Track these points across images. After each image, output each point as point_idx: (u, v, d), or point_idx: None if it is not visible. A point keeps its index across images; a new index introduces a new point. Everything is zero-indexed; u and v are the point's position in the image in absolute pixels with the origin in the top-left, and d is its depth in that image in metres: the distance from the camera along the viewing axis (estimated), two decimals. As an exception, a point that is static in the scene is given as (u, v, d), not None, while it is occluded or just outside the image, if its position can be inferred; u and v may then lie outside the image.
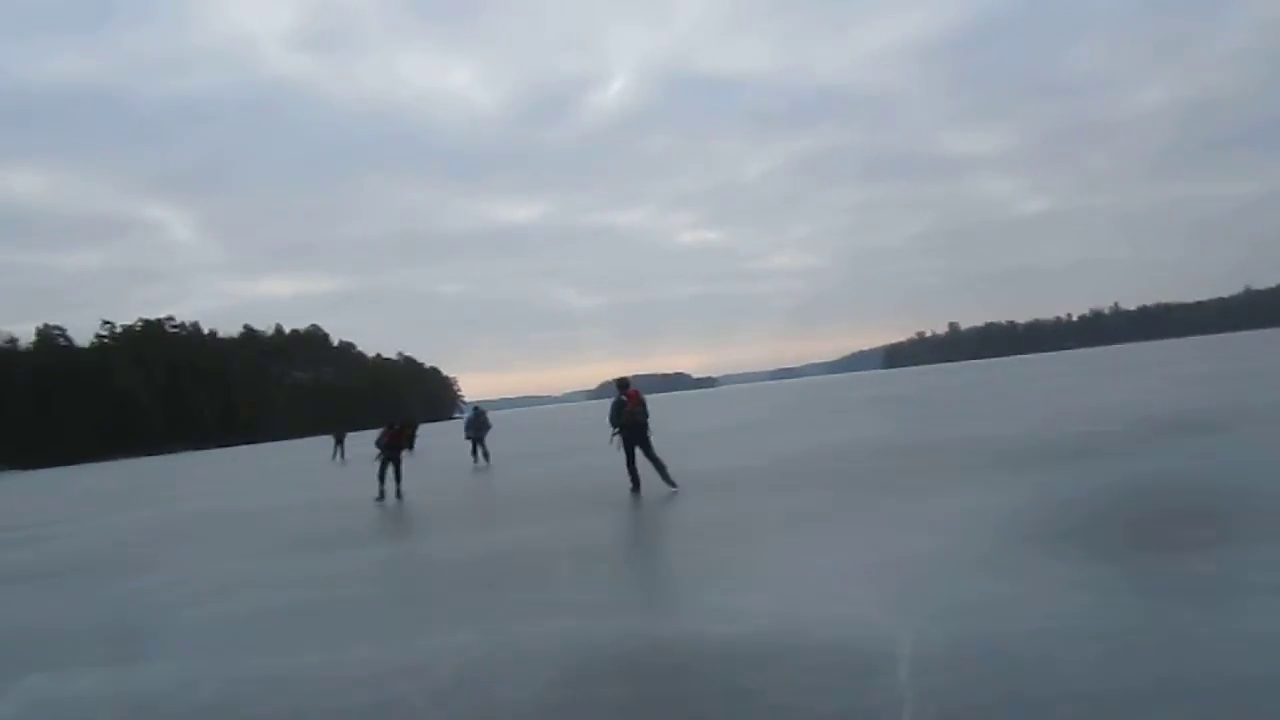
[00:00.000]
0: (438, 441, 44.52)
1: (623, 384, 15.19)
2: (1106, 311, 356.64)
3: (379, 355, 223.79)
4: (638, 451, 14.83)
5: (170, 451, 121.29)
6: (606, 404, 16.36)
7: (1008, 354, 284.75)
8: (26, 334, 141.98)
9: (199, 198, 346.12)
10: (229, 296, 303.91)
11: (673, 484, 14.40)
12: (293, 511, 19.04)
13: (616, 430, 14.89)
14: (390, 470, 18.57)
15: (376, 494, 18.26)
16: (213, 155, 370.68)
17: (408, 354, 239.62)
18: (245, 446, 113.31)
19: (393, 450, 18.78)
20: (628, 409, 14.77)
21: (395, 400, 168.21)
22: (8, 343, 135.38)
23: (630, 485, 14.70)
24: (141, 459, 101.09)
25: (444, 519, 15.48)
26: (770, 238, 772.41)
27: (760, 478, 15.83)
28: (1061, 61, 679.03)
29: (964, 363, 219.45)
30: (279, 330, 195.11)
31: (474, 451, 27.31)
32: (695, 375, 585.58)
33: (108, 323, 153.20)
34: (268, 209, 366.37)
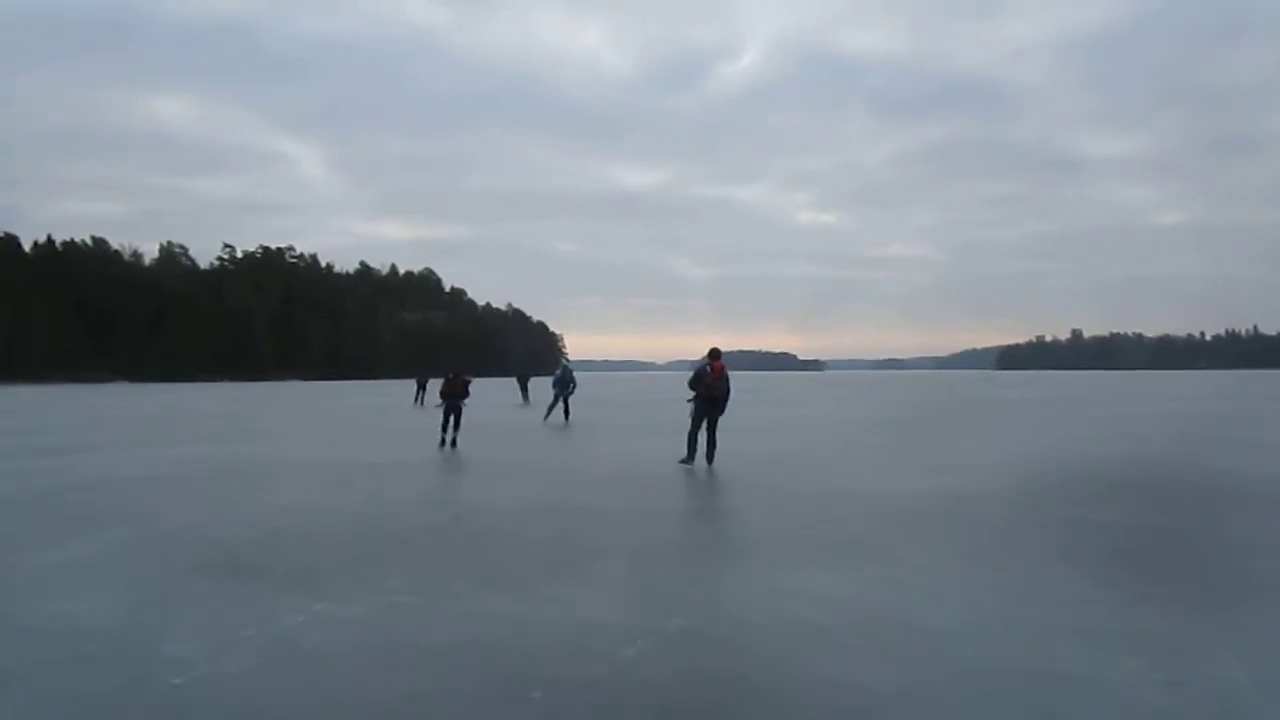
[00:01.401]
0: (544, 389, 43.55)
1: (714, 354, 14.85)
2: (1243, 334, 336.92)
3: (488, 304, 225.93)
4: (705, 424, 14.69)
5: (277, 378, 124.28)
6: None
7: (1132, 367, 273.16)
8: (153, 252, 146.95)
9: (331, 136, 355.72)
10: (350, 235, 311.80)
11: (710, 462, 14.41)
12: (317, 469, 17.46)
13: (692, 397, 14.77)
14: (452, 419, 19.06)
15: (439, 440, 18.82)
16: (347, 96, 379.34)
17: (516, 306, 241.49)
18: (347, 381, 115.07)
19: (450, 399, 19.26)
20: (707, 379, 14.58)
21: (499, 351, 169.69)
22: (132, 256, 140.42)
23: (685, 454, 14.65)
24: (246, 384, 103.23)
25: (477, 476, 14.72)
26: (888, 225, 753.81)
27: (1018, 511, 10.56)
28: (1210, 67, 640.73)
29: (1089, 371, 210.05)
30: (393, 270, 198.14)
31: (564, 409, 28.30)
32: (802, 357, 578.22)
33: (228, 246, 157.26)
34: (395, 153, 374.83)
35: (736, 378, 16.23)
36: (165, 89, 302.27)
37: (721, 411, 14.75)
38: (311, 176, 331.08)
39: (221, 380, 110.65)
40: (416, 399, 40.15)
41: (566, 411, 28.11)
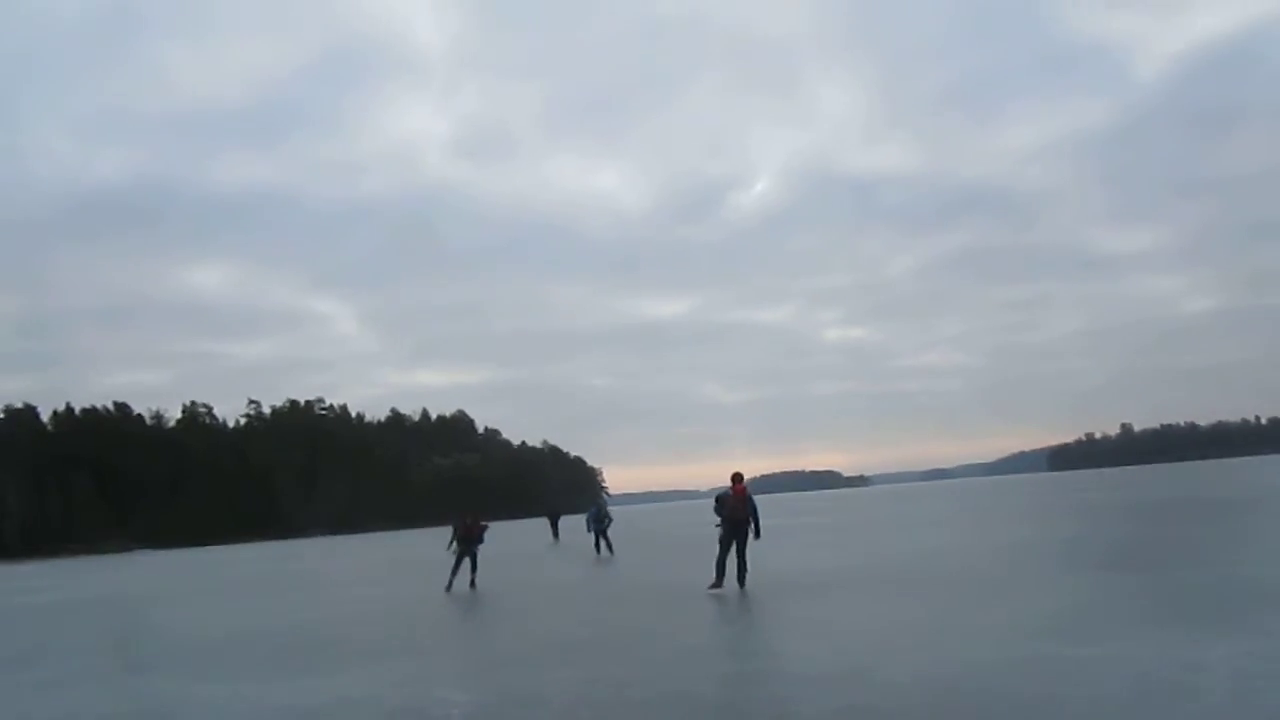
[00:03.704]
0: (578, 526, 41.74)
1: (736, 478, 14.97)
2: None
3: (523, 443, 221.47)
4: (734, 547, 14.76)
5: (306, 535, 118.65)
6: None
7: (1187, 459, 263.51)
8: (176, 413, 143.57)
9: (362, 293, 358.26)
10: (384, 385, 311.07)
11: (742, 585, 14.52)
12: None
13: (719, 523, 14.88)
14: (466, 562, 19.21)
15: (446, 585, 18.99)
16: (376, 254, 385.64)
17: (552, 443, 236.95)
18: (379, 534, 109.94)
19: (466, 544, 19.33)
20: (730, 503, 14.64)
21: (536, 489, 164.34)
22: (154, 419, 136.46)
23: (714, 580, 14.71)
24: (273, 543, 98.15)
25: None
26: (919, 335, 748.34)
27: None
28: (1213, 157, 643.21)
29: (1140, 466, 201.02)
30: (425, 415, 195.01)
31: (596, 544, 28.02)
32: (846, 474, 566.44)
33: (253, 402, 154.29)
34: (425, 304, 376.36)
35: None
36: (199, 259, 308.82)
37: (754, 535, 14.74)
38: (345, 333, 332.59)
39: (246, 542, 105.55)
40: (450, 544, 36.83)
41: (608, 546, 27.78)
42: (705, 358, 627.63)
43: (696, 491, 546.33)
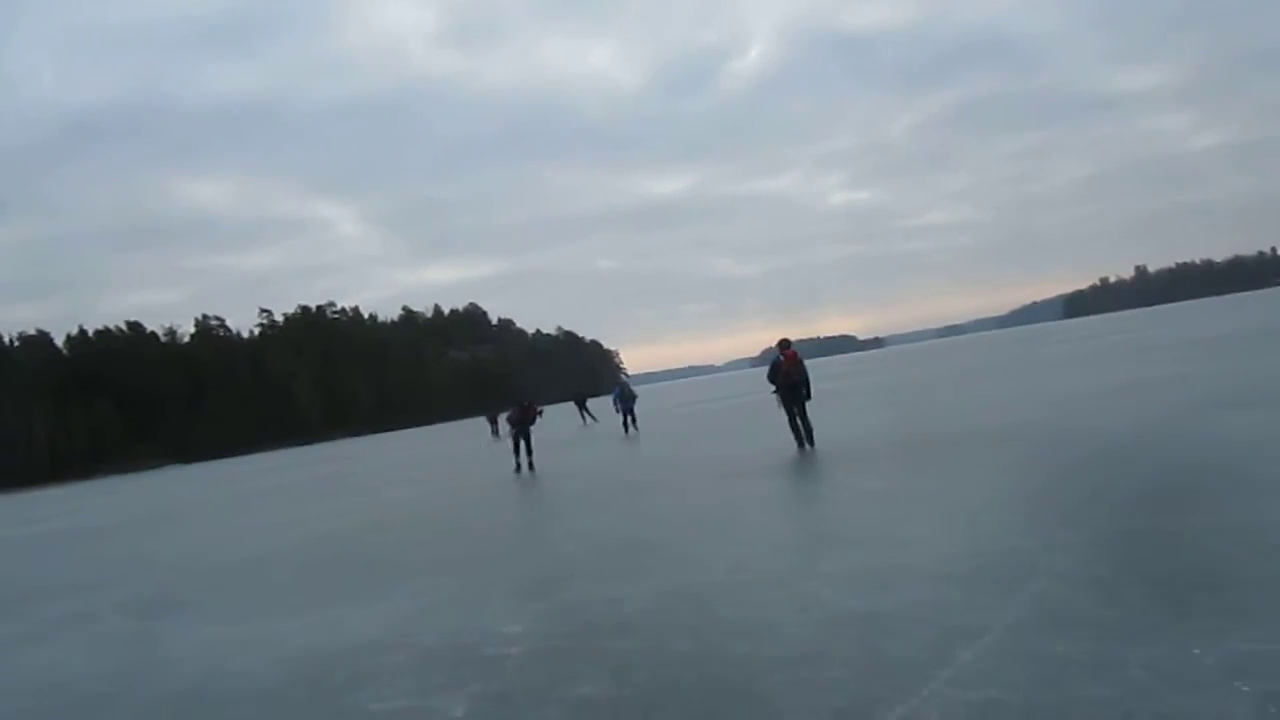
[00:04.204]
0: (603, 408, 42.22)
1: (784, 344, 15.52)
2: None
3: (538, 331, 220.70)
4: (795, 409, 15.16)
5: (328, 439, 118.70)
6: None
7: (1206, 295, 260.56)
8: (190, 328, 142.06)
9: (360, 193, 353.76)
10: (394, 286, 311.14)
11: (812, 444, 14.97)
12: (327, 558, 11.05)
13: (775, 390, 15.24)
14: (522, 445, 19.67)
15: (514, 467, 19.63)
16: (371, 152, 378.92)
17: (567, 329, 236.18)
18: (402, 431, 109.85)
19: (521, 426, 19.80)
20: (783, 369, 15.10)
21: (555, 376, 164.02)
22: (167, 335, 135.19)
23: (795, 442, 15.12)
24: (297, 449, 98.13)
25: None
26: (925, 193, 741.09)
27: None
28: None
29: (1159, 307, 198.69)
30: (437, 311, 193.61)
31: (624, 423, 28.79)
32: (861, 337, 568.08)
33: (265, 311, 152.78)
34: (426, 199, 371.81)
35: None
36: (196, 172, 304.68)
37: (807, 396, 15.14)
38: (348, 235, 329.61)
39: (270, 449, 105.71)
40: (494, 433, 40.86)
41: (633, 424, 28.55)
42: (712, 232, 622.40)
43: (713, 366, 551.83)
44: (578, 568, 8.38)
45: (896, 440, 15.04)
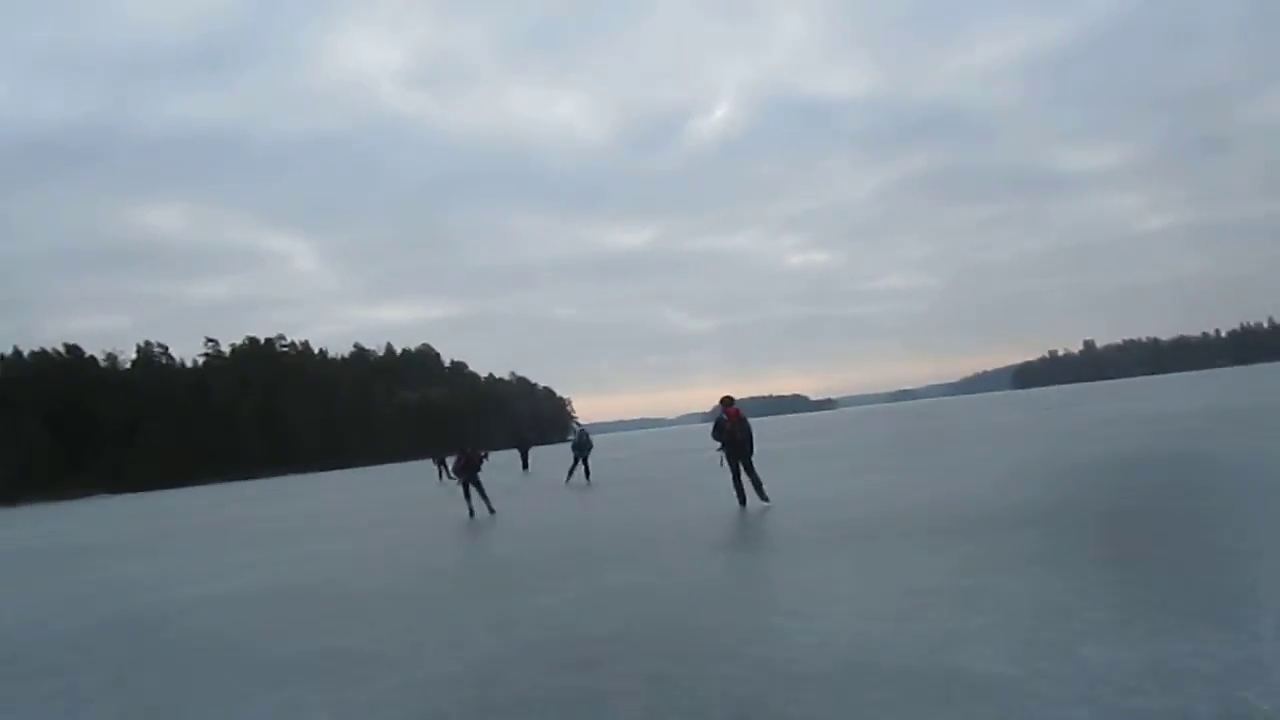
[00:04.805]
0: (551, 457, 44.33)
1: (726, 401, 15.94)
2: (1260, 327, 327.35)
3: (491, 375, 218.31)
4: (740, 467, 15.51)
5: (270, 475, 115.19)
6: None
7: (1150, 373, 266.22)
8: (131, 354, 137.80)
9: (321, 229, 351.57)
10: (349, 322, 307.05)
11: (766, 499, 15.34)
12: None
13: (720, 447, 15.55)
14: (473, 491, 19.69)
15: (467, 512, 19.62)
16: (333, 189, 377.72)
17: (520, 374, 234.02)
18: (347, 470, 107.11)
19: (469, 473, 19.81)
20: (727, 427, 15.39)
21: (505, 421, 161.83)
22: (107, 360, 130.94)
23: (736, 500, 15.42)
24: (237, 484, 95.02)
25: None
26: (882, 258, 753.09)
27: None
28: (1172, 73, 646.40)
29: (1105, 382, 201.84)
30: (389, 349, 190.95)
31: (571, 470, 29.35)
32: (814, 397, 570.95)
33: (211, 340, 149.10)
34: (386, 238, 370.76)
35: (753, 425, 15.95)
36: (151, 199, 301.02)
37: (750, 452, 15.37)
38: (304, 270, 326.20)
39: (207, 483, 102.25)
40: (440, 476, 41.12)
41: (587, 472, 29.07)
42: (669, 286, 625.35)
43: (664, 419, 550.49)
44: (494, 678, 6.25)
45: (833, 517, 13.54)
